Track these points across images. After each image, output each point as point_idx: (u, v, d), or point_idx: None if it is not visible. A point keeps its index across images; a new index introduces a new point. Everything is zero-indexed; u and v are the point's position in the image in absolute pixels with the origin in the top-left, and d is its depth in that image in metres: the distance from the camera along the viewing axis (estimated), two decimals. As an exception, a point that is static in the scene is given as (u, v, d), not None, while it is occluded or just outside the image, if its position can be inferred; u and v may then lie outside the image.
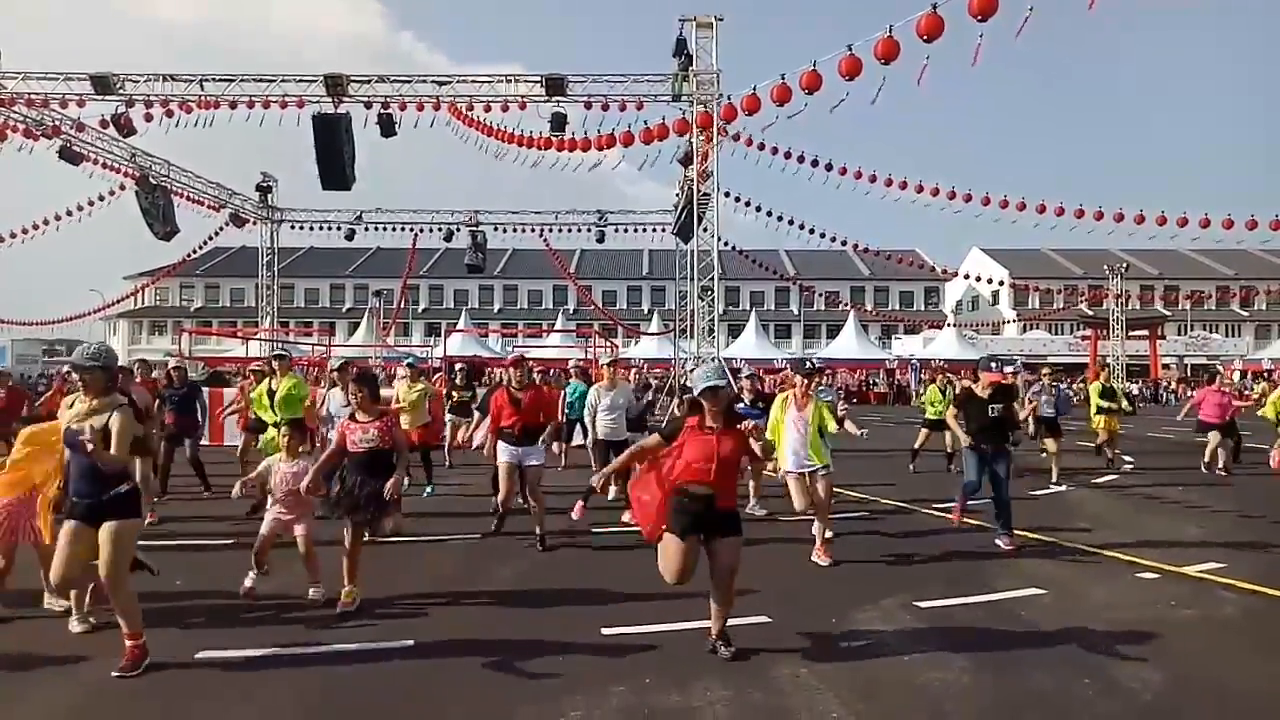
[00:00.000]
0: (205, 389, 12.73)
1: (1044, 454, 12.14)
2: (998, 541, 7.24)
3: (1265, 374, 34.42)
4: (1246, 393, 13.74)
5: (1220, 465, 12.49)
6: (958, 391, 8.16)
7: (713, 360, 4.75)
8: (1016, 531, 7.36)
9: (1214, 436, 12.72)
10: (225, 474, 10.72)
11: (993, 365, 7.66)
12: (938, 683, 4.30)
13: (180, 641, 4.79)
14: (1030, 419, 12.13)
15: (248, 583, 5.60)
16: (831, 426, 7.14)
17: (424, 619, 5.28)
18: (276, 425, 8.53)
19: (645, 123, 16.20)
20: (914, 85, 10.13)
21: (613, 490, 9.41)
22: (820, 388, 7.48)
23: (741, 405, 9.24)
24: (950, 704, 4.06)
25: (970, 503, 7.70)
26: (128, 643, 4.31)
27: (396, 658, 4.61)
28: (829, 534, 6.95)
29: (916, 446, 12.75)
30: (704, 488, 4.42)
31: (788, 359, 35.72)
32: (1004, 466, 7.28)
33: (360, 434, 5.43)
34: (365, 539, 5.53)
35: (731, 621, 4.74)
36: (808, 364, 7.31)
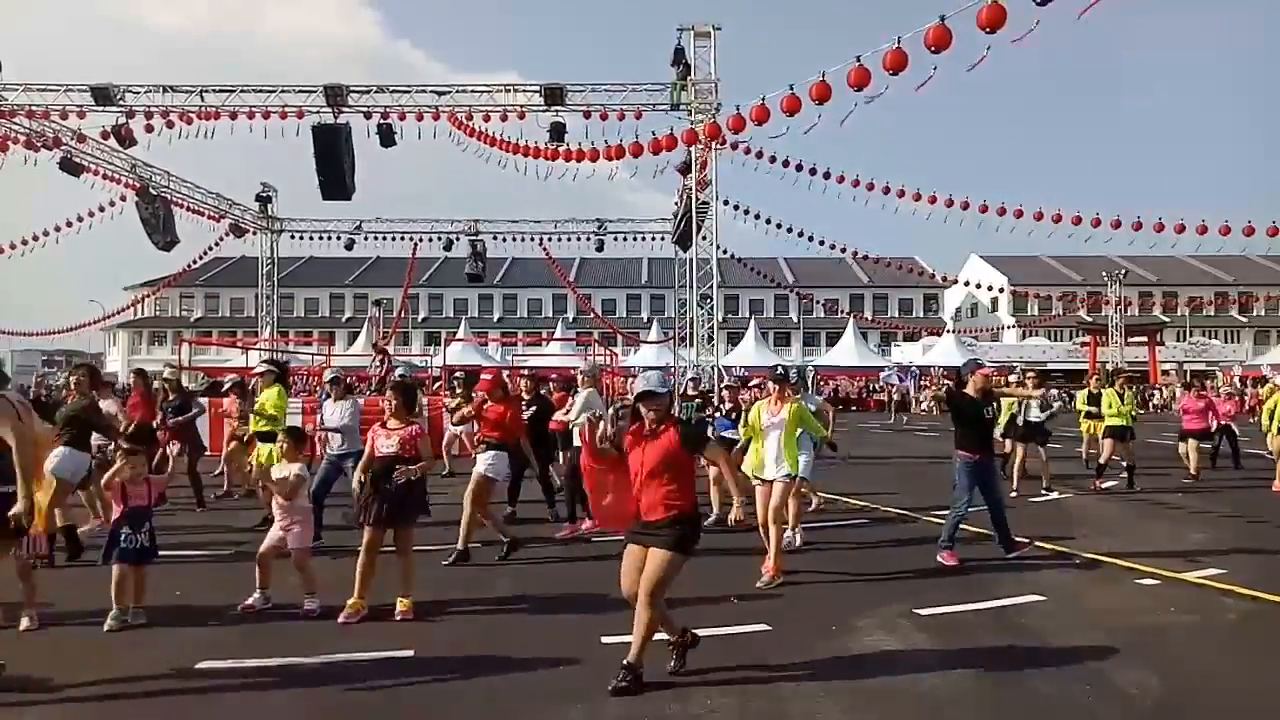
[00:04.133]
0: (205, 398, 12.78)
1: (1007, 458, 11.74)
2: (1008, 554, 7.07)
3: (1263, 380, 34.45)
4: (1234, 396, 13.57)
5: (1193, 467, 12.40)
6: (944, 393, 7.87)
7: (654, 370, 4.77)
8: (1017, 538, 7.31)
9: (1183, 445, 12.67)
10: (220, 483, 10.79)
11: (977, 363, 7.55)
12: (939, 690, 4.29)
13: (180, 651, 4.79)
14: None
15: (250, 600, 5.62)
16: (820, 431, 7.10)
17: (423, 628, 5.27)
18: (261, 437, 8.52)
19: (652, 133, 16.21)
20: (914, 94, 10.15)
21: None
22: (807, 395, 7.43)
23: (718, 415, 9.23)
24: (951, 711, 4.05)
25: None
26: None
27: (396, 667, 4.60)
28: (774, 548, 6.46)
29: (1103, 461, 11.78)
30: (633, 509, 4.33)
31: (781, 366, 35.72)
32: (994, 474, 7.18)
33: (384, 440, 5.52)
34: (379, 550, 5.53)
35: (732, 629, 4.72)
36: (779, 369, 7.21)
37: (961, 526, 7.21)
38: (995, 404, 7.35)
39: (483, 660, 4.68)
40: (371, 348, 16.68)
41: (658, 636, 4.40)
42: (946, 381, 13.84)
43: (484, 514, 7.26)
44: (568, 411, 8.66)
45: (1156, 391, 37.60)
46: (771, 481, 6.60)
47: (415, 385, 6.69)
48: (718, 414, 9.27)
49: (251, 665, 4.59)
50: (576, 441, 8.60)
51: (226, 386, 10.12)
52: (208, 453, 11.01)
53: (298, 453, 5.97)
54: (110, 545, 5.32)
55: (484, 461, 7.33)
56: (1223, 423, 13.58)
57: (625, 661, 4.22)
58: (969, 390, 7.25)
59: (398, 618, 5.38)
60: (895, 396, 34.14)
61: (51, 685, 4.27)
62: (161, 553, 5.90)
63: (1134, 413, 12.31)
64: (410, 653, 4.80)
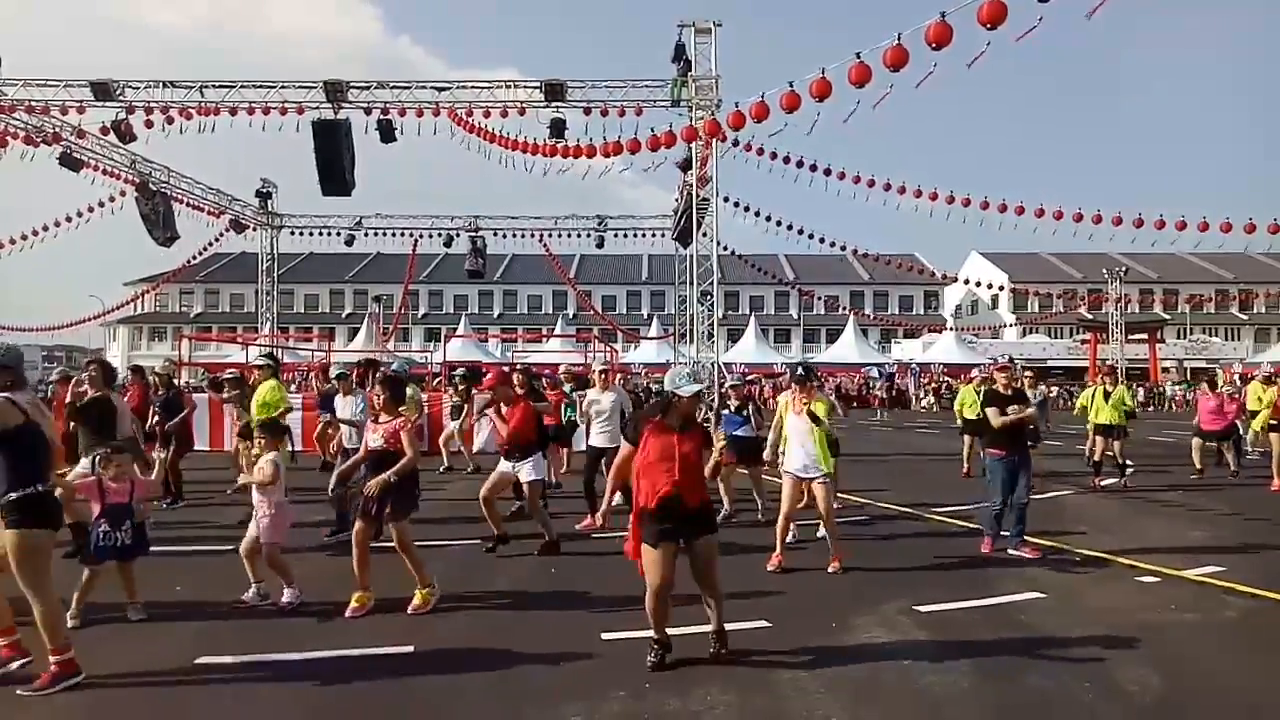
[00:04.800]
0: (207, 393, 12.80)
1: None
2: (1016, 551, 7.12)
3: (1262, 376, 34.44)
4: (1236, 396, 13.42)
5: (1232, 465, 12.38)
6: (985, 391, 8.03)
7: (689, 363, 4.69)
8: (1029, 539, 7.31)
9: (1195, 442, 12.66)
10: (221, 480, 10.77)
11: (998, 359, 7.70)
12: (938, 687, 4.29)
13: (179, 646, 4.79)
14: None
15: (246, 595, 5.64)
16: (822, 412, 7.10)
17: (423, 624, 5.28)
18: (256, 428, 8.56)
19: (652, 129, 16.16)
20: (913, 90, 10.13)
21: (619, 496, 9.39)
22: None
23: (726, 412, 9.21)
24: (951, 708, 4.05)
25: (967, 508, 7.63)
26: (51, 659, 4.16)
27: (396, 663, 4.60)
28: (832, 542, 6.80)
29: (1097, 459, 11.71)
30: (669, 490, 4.36)
31: (786, 364, 35.78)
32: (1027, 470, 7.25)
33: (372, 435, 5.56)
34: (371, 544, 5.54)
35: (731, 626, 4.74)
36: (799, 370, 7.22)
37: (962, 524, 7.22)
38: (1024, 400, 7.50)
39: (483, 656, 4.69)
40: (357, 364, 16.66)
41: (646, 633, 4.56)
42: (946, 379, 13.76)
43: (491, 508, 7.27)
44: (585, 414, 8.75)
45: (1140, 390, 37.53)
46: (803, 479, 6.76)
47: (403, 380, 6.64)
48: (726, 410, 9.24)
49: (251, 660, 4.59)
50: (594, 441, 8.61)
51: (223, 379, 10.17)
52: (202, 450, 11.05)
53: (275, 445, 6.02)
54: (88, 542, 5.28)
55: (527, 470, 7.27)
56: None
57: (713, 631, 4.62)
58: (998, 387, 7.48)
59: (410, 611, 5.39)
60: (883, 394, 34.09)
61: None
62: (162, 548, 5.92)
63: (1128, 410, 12.30)
64: (410, 648, 4.80)
